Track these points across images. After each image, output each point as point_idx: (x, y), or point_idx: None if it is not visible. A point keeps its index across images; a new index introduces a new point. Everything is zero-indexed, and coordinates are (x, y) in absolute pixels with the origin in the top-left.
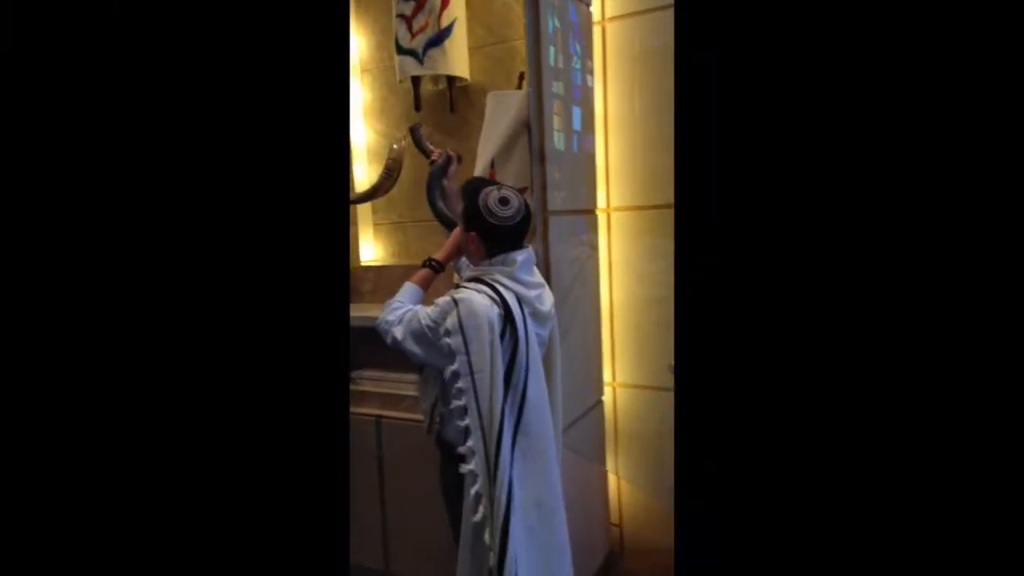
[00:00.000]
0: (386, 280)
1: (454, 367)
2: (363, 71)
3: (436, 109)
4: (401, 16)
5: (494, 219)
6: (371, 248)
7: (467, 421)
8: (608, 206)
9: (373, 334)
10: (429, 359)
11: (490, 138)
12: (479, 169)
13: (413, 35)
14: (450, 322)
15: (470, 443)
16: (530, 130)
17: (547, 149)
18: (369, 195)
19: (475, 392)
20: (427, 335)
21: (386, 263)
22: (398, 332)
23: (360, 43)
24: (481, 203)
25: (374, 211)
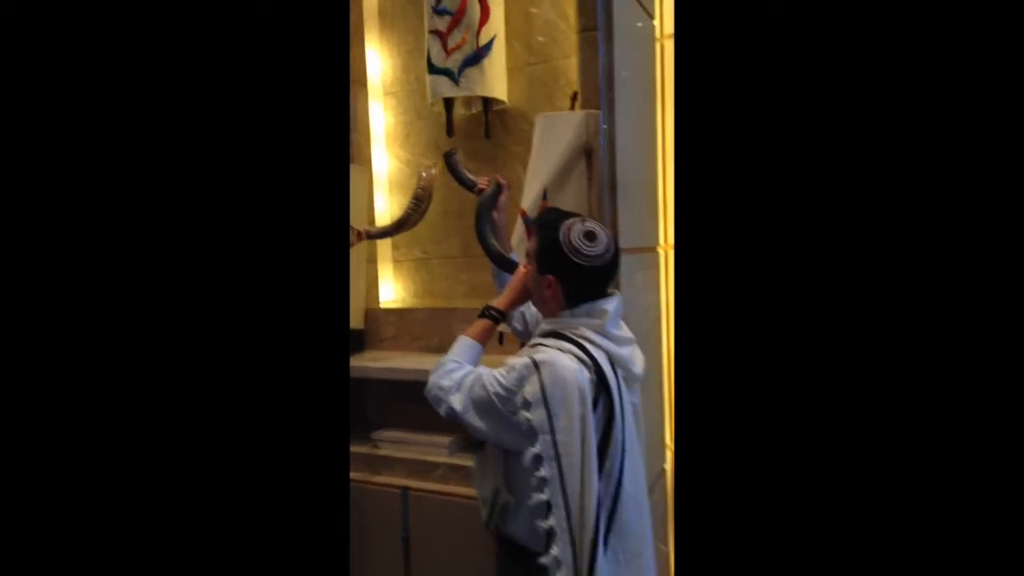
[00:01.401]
0: (409, 324)
1: (535, 450)
2: (386, 94)
3: (468, 135)
4: (435, 32)
5: (579, 258)
6: (390, 287)
7: (551, 522)
8: (665, 242)
9: (396, 388)
10: (498, 436)
11: (541, 165)
12: (528, 200)
13: (448, 53)
14: (530, 391)
15: (555, 551)
16: (589, 156)
17: (619, 177)
18: (396, 228)
19: (562, 483)
20: (497, 406)
21: (409, 305)
22: (456, 401)
23: (384, 65)
24: (563, 239)
25: (395, 246)
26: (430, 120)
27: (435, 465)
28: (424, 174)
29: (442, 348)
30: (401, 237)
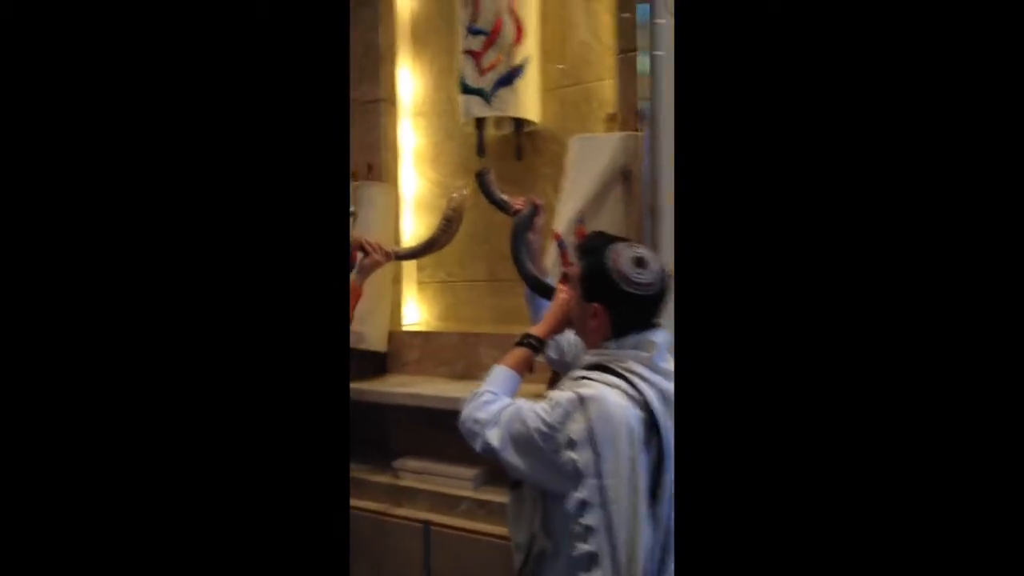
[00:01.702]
0: (435, 349)
1: (581, 495)
2: (416, 114)
3: (499, 156)
4: (469, 52)
5: (628, 286)
6: (415, 309)
7: (597, 575)
8: None
9: (420, 415)
10: (538, 477)
11: (576, 188)
12: (562, 223)
13: (482, 73)
14: (575, 429)
15: None
16: (627, 179)
17: (660, 202)
18: (425, 249)
19: (610, 534)
20: (538, 444)
21: (433, 328)
22: (494, 437)
23: (416, 84)
24: (611, 265)
25: (419, 268)
26: (460, 141)
27: (460, 499)
28: (455, 195)
29: (468, 374)
30: (426, 259)
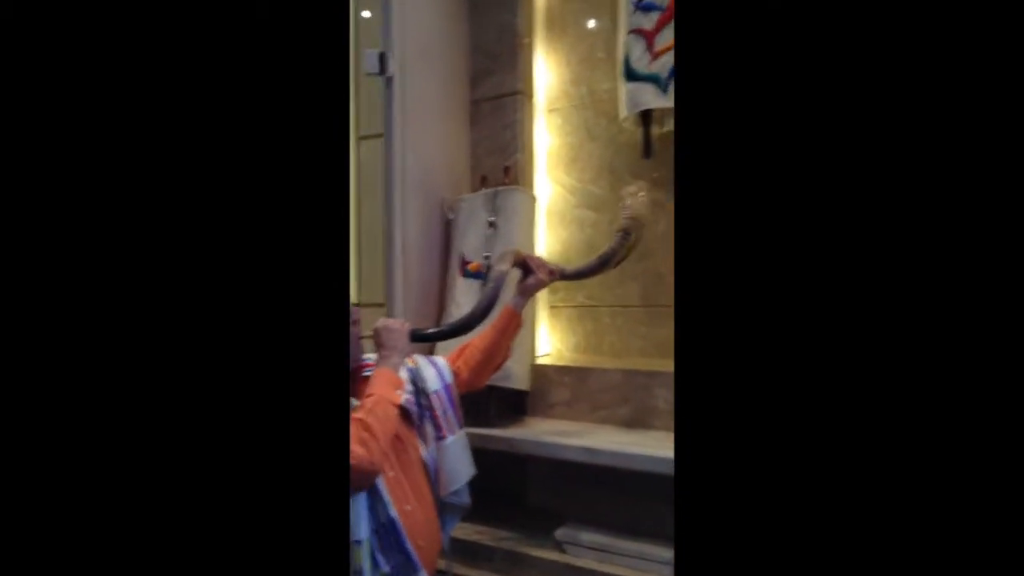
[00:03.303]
0: (593, 389)
1: None
2: (549, 111)
3: (660, 160)
4: (638, 32)
5: None
6: (546, 339)
7: None
8: None
9: (587, 472)
10: None
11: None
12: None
13: (654, 56)
14: None
15: None
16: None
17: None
18: (599, 266)
19: None
20: None
21: (571, 361)
22: None
23: (550, 78)
24: None
25: (552, 290)
26: (603, 142)
27: None
28: (629, 201)
29: (638, 422)
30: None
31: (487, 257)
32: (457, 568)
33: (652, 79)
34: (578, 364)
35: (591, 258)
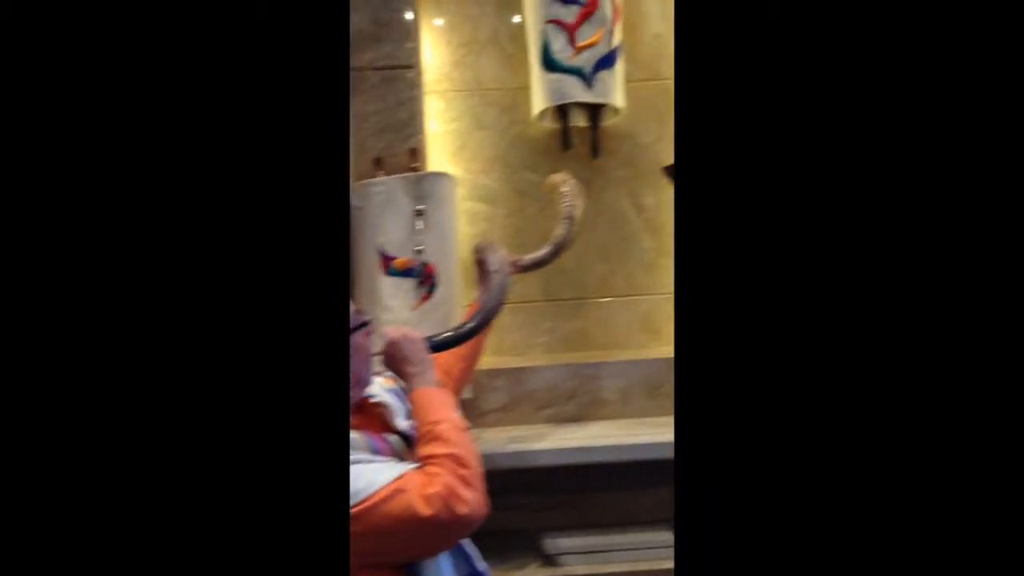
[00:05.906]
0: (531, 389)
1: None
2: (428, 93)
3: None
4: (557, 23)
5: None
6: None
7: None
8: None
9: (558, 476)
10: None
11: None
12: None
13: (576, 50)
14: None
15: None
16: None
17: None
18: (553, 254)
19: None
20: None
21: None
22: None
23: (431, 58)
24: None
25: None
26: (495, 132)
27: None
28: (566, 189)
29: (586, 415)
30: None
31: (419, 251)
32: None
33: (575, 72)
34: (511, 365)
35: (542, 247)
